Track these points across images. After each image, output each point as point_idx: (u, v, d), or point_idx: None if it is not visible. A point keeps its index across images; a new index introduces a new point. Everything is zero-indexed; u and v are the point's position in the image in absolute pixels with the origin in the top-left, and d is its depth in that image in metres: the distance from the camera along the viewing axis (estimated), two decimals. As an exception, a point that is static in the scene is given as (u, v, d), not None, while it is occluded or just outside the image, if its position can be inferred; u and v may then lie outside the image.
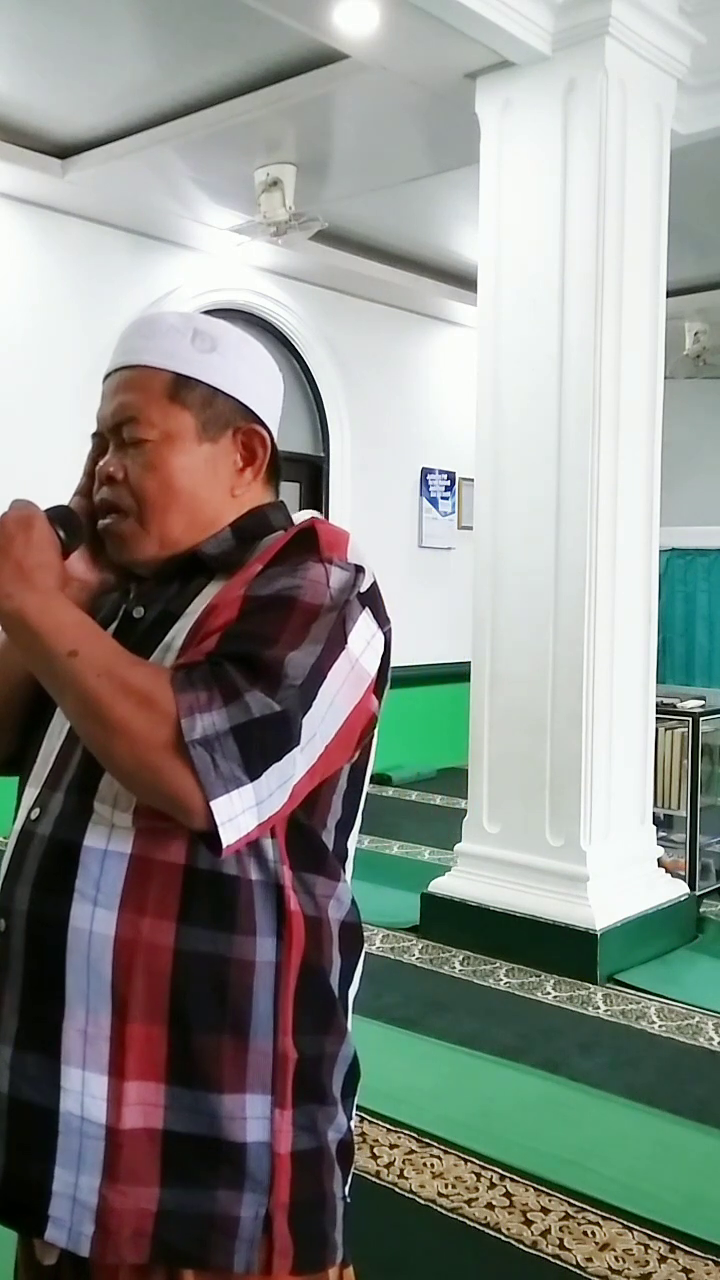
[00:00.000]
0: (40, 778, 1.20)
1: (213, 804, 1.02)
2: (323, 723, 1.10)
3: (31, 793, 1.20)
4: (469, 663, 4.47)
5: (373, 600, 1.17)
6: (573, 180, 4.08)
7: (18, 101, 5.10)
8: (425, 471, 8.18)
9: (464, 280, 7.14)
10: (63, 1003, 1.11)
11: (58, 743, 1.20)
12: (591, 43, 4.00)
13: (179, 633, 1.16)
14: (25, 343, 5.95)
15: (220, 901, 1.11)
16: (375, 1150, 2.82)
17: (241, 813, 1.04)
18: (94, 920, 1.11)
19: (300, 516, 1.25)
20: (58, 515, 1.19)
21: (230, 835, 1.04)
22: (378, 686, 1.18)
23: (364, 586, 1.15)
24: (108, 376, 1.25)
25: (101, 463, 1.23)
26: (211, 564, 1.21)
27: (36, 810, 1.18)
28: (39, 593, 1.09)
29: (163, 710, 1.02)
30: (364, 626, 1.15)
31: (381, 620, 1.18)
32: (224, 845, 1.04)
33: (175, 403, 1.20)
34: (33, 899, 1.14)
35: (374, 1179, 2.69)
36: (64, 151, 5.59)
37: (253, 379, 1.25)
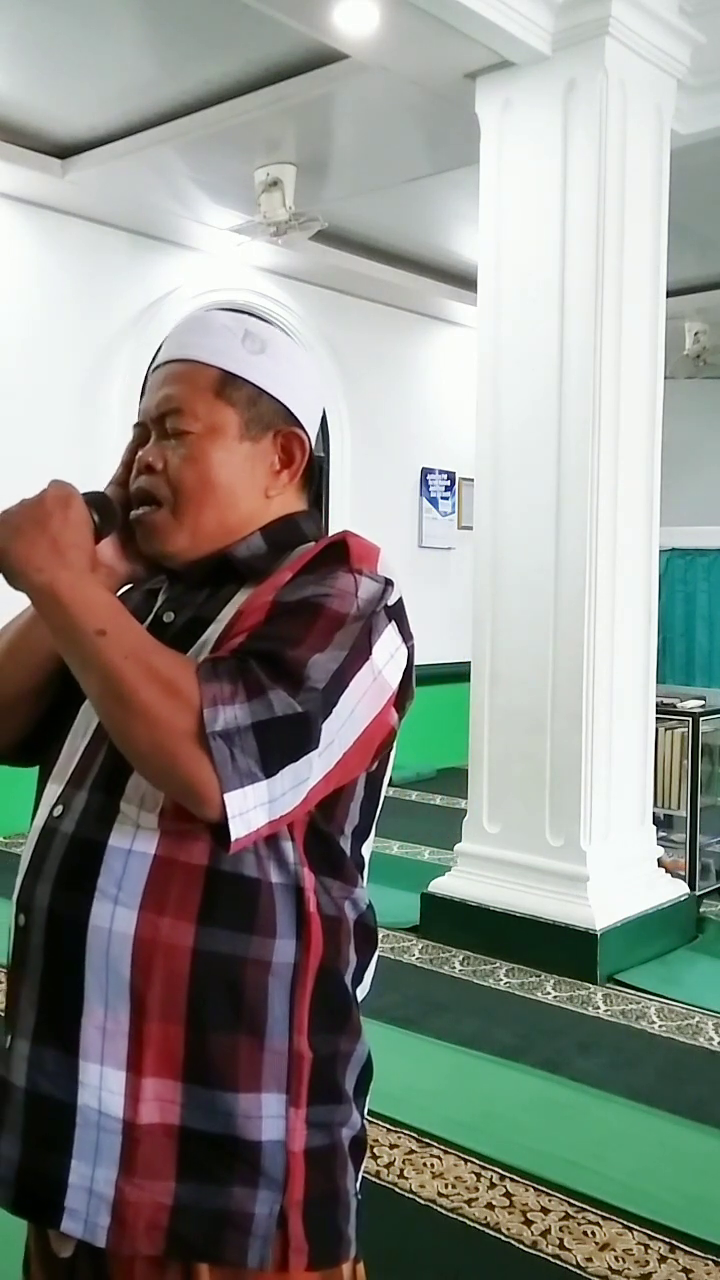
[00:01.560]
0: (64, 775, 1.20)
1: (226, 796, 1.02)
2: (341, 730, 1.10)
3: (54, 790, 1.21)
4: (469, 663, 4.47)
5: (399, 615, 1.17)
6: (573, 180, 4.08)
7: (18, 101, 5.10)
8: (425, 471, 8.18)
9: (464, 280, 7.14)
10: (81, 999, 1.12)
11: (82, 741, 1.20)
12: (591, 43, 4.00)
13: (210, 638, 1.17)
14: (25, 342, 5.95)
15: (241, 903, 1.12)
16: (375, 1150, 2.82)
17: (253, 808, 1.04)
18: (114, 919, 1.11)
19: None
20: (94, 500, 1.20)
21: (240, 829, 1.04)
22: (399, 700, 1.19)
23: (391, 600, 1.16)
24: (156, 369, 1.27)
25: (141, 452, 1.24)
26: (242, 569, 1.22)
27: (60, 808, 1.18)
28: (71, 570, 1.10)
29: (186, 698, 1.03)
30: (389, 639, 1.15)
31: (406, 635, 1.18)
32: (233, 839, 1.04)
33: (221, 399, 1.22)
34: (53, 896, 1.15)
35: (374, 1179, 2.69)
36: (64, 151, 5.59)
37: (298, 384, 1.27)
